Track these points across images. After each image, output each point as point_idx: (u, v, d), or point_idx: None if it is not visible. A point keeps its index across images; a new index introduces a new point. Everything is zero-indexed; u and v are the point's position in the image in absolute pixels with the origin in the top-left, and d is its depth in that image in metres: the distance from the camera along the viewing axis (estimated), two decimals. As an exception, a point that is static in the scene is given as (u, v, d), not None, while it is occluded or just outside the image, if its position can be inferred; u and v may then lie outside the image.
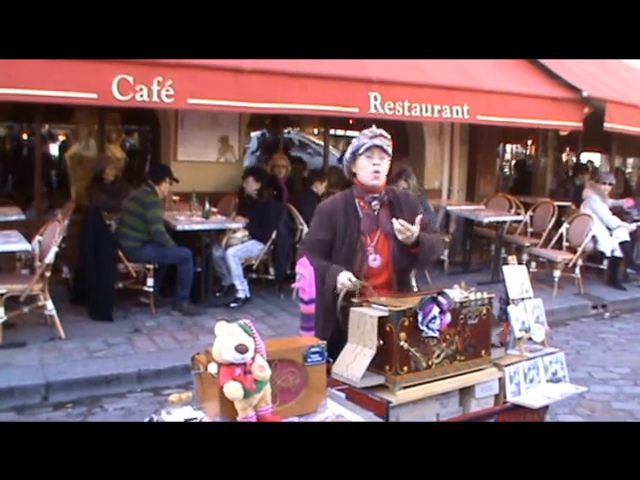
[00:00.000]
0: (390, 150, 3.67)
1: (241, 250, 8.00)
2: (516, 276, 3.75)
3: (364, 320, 3.09)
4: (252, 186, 8.37)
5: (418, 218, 3.53)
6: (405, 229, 3.47)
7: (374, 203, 3.68)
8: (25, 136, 15.70)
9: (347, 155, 3.74)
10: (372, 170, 3.62)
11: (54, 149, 15.99)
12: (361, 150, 3.63)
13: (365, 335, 3.06)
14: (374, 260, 3.65)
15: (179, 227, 7.55)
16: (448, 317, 3.10)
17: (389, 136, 3.71)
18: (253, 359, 2.42)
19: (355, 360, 3.06)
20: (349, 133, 18.02)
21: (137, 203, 7.43)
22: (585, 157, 15.50)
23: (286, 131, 14.86)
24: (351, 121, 13.18)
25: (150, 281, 7.42)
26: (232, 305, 7.77)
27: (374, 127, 3.72)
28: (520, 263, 3.91)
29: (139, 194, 7.53)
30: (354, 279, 3.43)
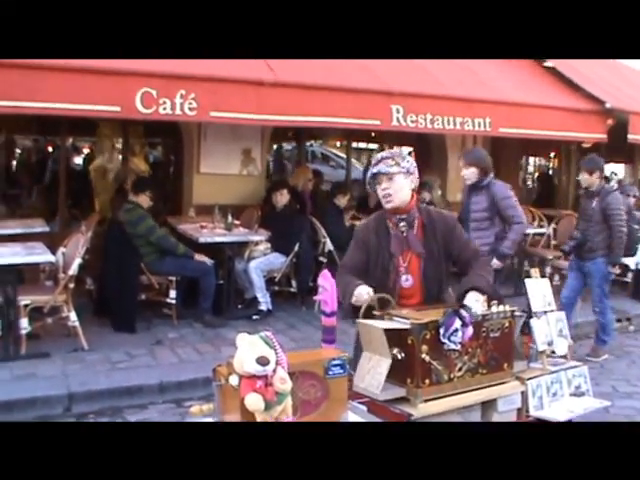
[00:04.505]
0: (400, 166, 3.66)
1: (263, 263, 8.00)
2: (539, 289, 3.73)
3: (371, 333, 3.09)
4: (284, 198, 8.36)
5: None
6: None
7: (401, 224, 3.69)
8: (50, 149, 15.85)
9: (367, 185, 3.85)
10: (381, 196, 3.69)
11: (78, 162, 16.13)
12: (369, 180, 3.75)
13: (376, 346, 3.06)
14: (406, 281, 3.67)
15: (202, 239, 7.58)
16: (470, 330, 3.09)
17: (398, 152, 3.82)
18: (274, 371, 2.42)
19: (372, 370, 3.05)
20: (371, 146, 18.03)
21: (128, 225, 7.33)
22: (609, 169, 15.36)
23: (308, 144, 14.89)
24: (373, 134, 13.19)
25: (172, 293, 7.45)
26: (254, 317, 7.77)
27: (383, 152, 3.80)
28: (543, 276, 3.89)
29: (124, 216, 7.41)
30: (372, 293, 3.42)
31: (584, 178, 7.20)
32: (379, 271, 3.67)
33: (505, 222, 6.25)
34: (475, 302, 3.27)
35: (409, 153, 16.76)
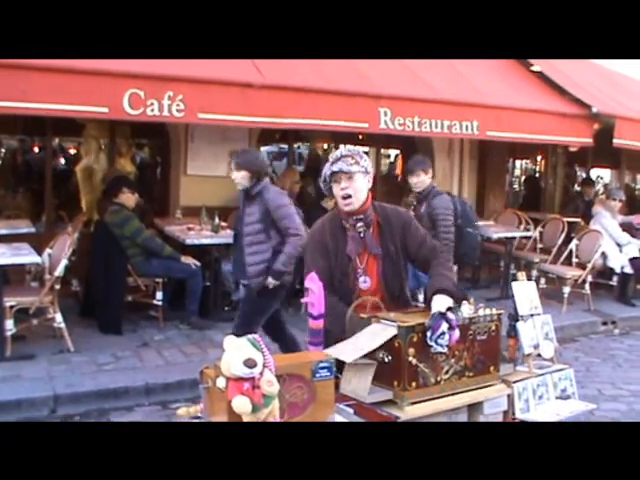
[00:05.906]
0: (359, 165, 3.51)
1: (250, 264, 7.98)
2: (525, 292, 3.73)
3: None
4: None
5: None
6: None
7: (358, 225, 3.58)
8: (36, 149, 15.78)
9: (322, 184, 3.66)
10: (340, 196, 3.54)
11: (65, 162, 16.05)
12: (327, 179, 3.58)
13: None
14: (364, 282, 3.58)
15: (188, 241, 7.56)
16: (457, 333, 3.09)
17: (356, 150, 3.63)
18: (261, 374, 2.41)
19: (359, 374, 3.05)
20: (359, 148, 18.02)
21: (115, 227, 7.32)
22: (595, 173, 15.47)
23: (296, 146, 14.85)
24: (361, 136, 13.19)
25: (159, 294, 7.44)
26: (241, 319, 7.75)
27: (341, 149, 3.63)
28: (529, 279, 3.90)
29: (110, 217, 7.40)
30: None
31: (421, 179, 6.62)
32: (338, 274, 3.58)
33: (282, 234, 5.55)
34: (444, 305, 3.15)
35: (396, 156, 16.81)
